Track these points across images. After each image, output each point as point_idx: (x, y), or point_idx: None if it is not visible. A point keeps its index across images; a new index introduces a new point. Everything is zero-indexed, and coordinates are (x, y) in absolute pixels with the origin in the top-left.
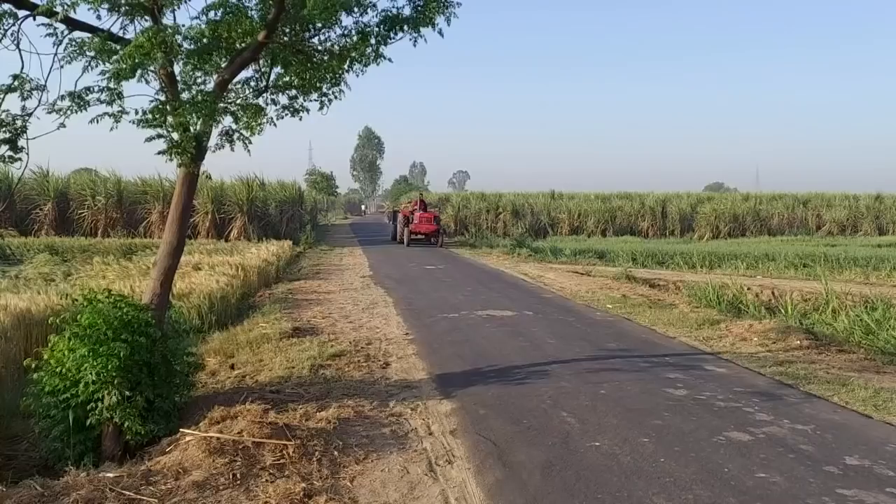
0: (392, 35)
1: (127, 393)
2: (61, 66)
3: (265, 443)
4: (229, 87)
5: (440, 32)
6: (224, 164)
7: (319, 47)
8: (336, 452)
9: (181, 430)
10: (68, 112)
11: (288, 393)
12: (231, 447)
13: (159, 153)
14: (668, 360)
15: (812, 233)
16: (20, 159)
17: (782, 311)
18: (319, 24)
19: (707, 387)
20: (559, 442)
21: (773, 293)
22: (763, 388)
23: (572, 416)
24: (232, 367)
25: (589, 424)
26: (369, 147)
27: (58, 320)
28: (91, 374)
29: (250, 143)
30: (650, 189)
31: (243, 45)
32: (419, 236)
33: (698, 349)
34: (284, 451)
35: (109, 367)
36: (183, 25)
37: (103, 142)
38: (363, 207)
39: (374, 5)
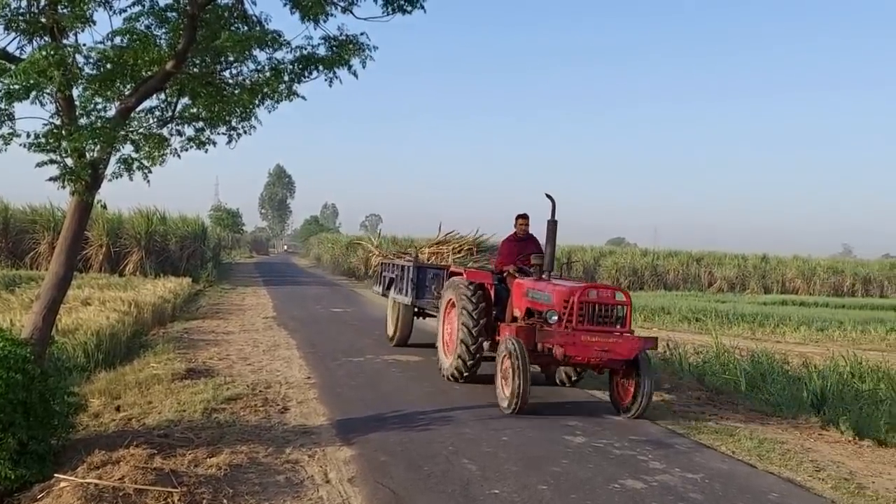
0: (306, 74)
1: None
2: None
3: (149, 490)
4: (132, 114)
5: (355, 74)
6: (122, 195)
7: (231, 80)
8: (226, 501)
9: (56, 475)
10: None
11: (177, 437)
12: (111, 494)
13: (51, 179)
14: (569, 407)
15: (704, 289)
16: None
17: (677, 362)
18: (232, 58)
19: (604, 434)
20: (459, 490)
21: (667, 345)
22: (657, 437)
23: (473, 464)
24: (118, 408)
25: (489, 471)
26: (279, 185)
27: None
28: None
29: (150, 172)
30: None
31: (150, 73)
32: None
33: (597, 397)
34: (169, 500)
35: None
36: (84, 45)
37: None
38: (271, 247)
39: (289, 43)
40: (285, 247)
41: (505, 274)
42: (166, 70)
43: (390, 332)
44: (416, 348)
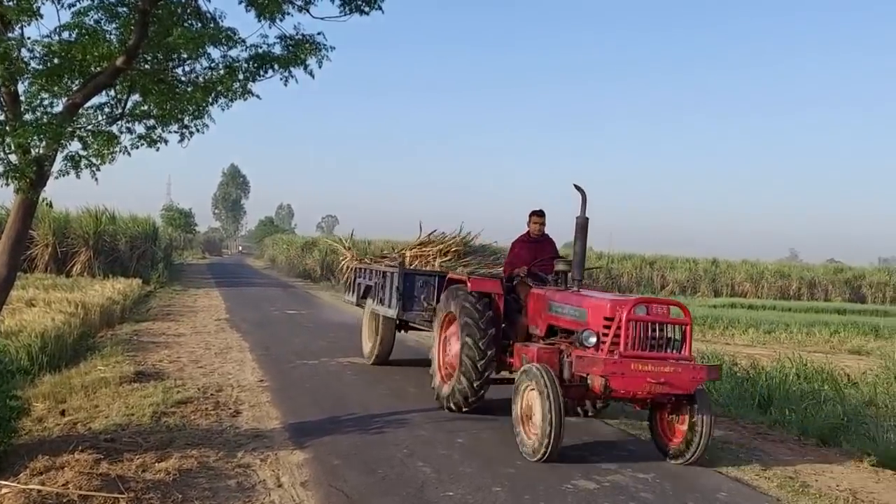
0: (262, 72)
1: None
2: None
3: (94, 496)
4: (80, 111)
5: (311, 74)
6: (70, 194)
7: (183, 78)
8: None
9: None
10: None
11: (125, 442)
12: (54, 501)
13: None
14: None
15: (657, 291)
16: None
17: None
18: (185, 55)
19: None
20: (414, 492)
21: None
22: (610, 437)
23: (428, 466)
24: (63, 412)
25: (444, 474)
26: (234, 185)
27: None
28: None
29: (98, 170)
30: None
31: (99, 68)
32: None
33: None
34: None
35: None
36: (29, 38)
37: None
38: (225, 247)
39: (244, 41)
40: (240, 248)
41: (515, 282)
42: (116, 66)
43: (367, 349)
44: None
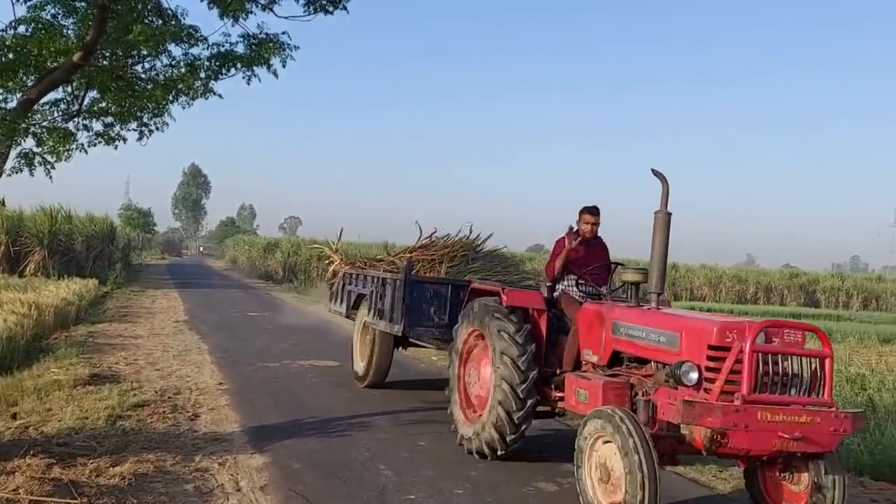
0: (224, 71)
1: None
2: None
3: (46, 501)
4: (35, 107)
5: (275, 73)
6: (25, 192)
7: (143, 75)
8: None
9: None
10: None
11: (78, 446)
12: None
13: None
14: None
15: None
16: None
17: None
18: (145, 52)
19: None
20: (374, 496)
21: None
22: (571, 439)
23: (390, 469)
24: (14, 416)
25: (406, 477)
26: (194, 185)
27: None
28: None
29: (53, 168)
30: None
31: (55, 64)
32: None
33: None
34: None
35: None
36: None
37: None
38: (185, 248)
39: (206, 39)
40: (202, 248)
41: (557, 294)
42: (73, 62)
43: (360, 368)
44: (334, 354)
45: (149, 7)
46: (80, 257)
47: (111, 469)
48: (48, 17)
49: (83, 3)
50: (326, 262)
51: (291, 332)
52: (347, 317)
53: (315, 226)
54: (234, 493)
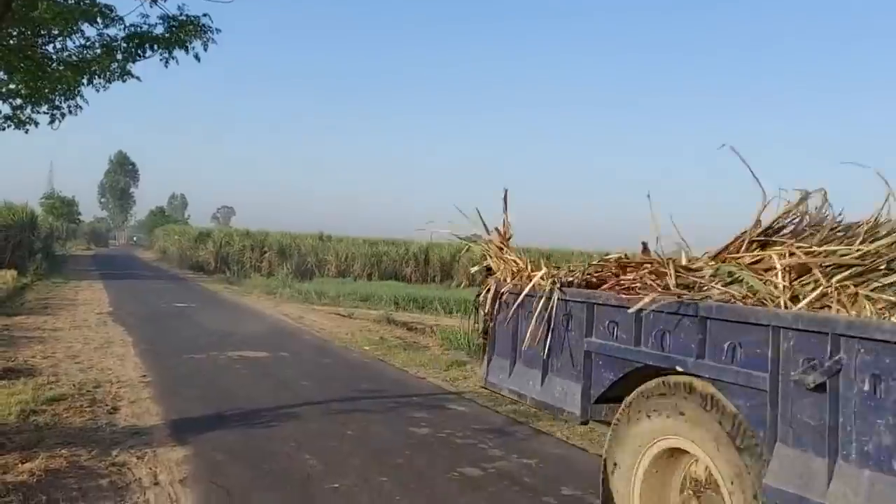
0: (141, 53)
1: None
2: None
3: None
4: None
5: (196, 57)
6: None
7: (54, 55)
8: None
9: None
10: None
11: None
12: None
13: None
14: (416, 399)
15: None
16: None
17: None
18: (56, 31)
19: (448, 424)
20: (299, 485)
21: None
22: (499, 426)
23: (315, 459)
24: None
25: (331, 466)
26: (121, 173)
27: None
28: None
29: None
30: (414, 237)
31: None
32: None
33: (445, 389)
34: None
35: None
36: None
37: None
38: (112, 238)
39: (122, 19)
40: (134, 238)
41: None
42: None
43: None
44: (264, 345)
45: None
46: None
47: (20, 465)
48: None
49: None
50: (483, 269)
51: (220, 323)
52: (583, 420)
53: (249, 216)
54: (151, 486)
